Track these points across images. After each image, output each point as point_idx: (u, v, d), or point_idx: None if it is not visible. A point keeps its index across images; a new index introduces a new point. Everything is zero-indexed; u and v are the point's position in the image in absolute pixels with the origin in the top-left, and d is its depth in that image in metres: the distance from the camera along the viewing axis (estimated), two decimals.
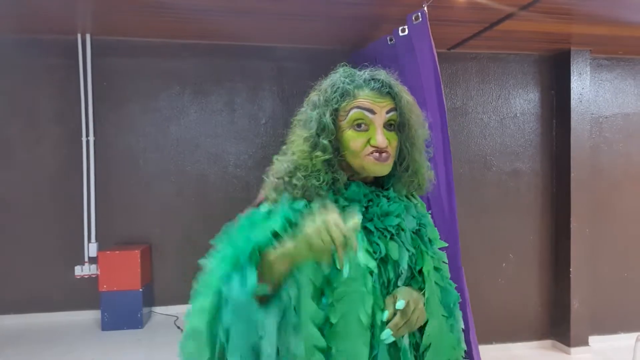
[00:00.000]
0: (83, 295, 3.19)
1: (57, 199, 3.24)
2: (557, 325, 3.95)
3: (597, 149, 3.99)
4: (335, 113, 1.09)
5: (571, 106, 3.79)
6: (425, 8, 2.30)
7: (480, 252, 3.78)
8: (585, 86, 3.82)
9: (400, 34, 2.49)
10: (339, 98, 1.09)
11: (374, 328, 1.02)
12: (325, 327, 1.01)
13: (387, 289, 1.06)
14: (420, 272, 1.12)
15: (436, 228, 1.24)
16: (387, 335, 1.01)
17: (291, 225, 1.00)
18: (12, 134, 3.19)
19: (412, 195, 1.22)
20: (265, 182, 1.14)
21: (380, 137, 1.05)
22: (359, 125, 1.07)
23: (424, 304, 1.09)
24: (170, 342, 2.75)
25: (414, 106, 1.13)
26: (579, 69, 3.80)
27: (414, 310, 1.04)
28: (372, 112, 1.07)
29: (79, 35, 3.20)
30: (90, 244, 3.23)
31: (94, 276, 3.20)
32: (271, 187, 1.11)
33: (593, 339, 3.92)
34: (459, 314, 1.21)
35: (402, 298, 1.03)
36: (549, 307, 3.99)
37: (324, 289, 1.01)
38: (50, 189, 3.23)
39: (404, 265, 1.09)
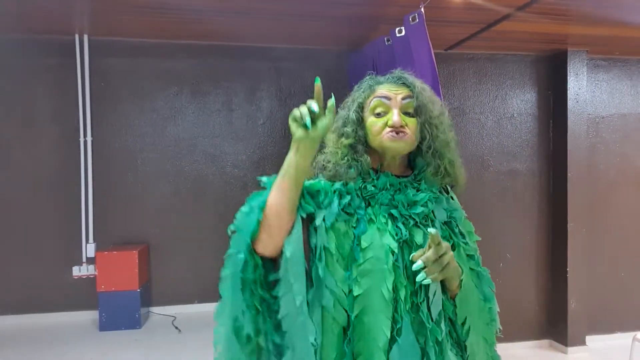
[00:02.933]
0: (81, 296, 3.19)
1: (55, 199, 3.24)
2: (555, 325, 3.96)
3: (594, 149, 4.01)
4: (361, 107, 1.22)
5: (568, 106, 3.81)
6: (422, 9, 2.30)
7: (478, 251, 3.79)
8: (582, 86, 3.84)
9: (398, 34, 2.50)
10: (362, 93, 1.23)
11: (397, 303, 1.08)
12: (349, 298, 1.08)
13: (409, 272, 1.11)
14: None
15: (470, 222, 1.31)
16: (419, 267, 1.06)
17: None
18: (9, 134, 3.19)
19: (447, 190, 1.30)
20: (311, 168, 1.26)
21: (395, 117, 1.15)
22: (378, 114, 1.18)
23: (460, 284, 1.16)
24: (168, 342, 2.76)
25: (430, 92, 1.23)
26: (576, 70, 3.81)
27: (445, 253, 1.09)
28: (387, 98, 1.18)
29: (76, 36, 3.20)
30: (88, 245, 3.23)
31: (91, 276, 3.19)
32: (312, 171, 1.22)
33: (590, 339, 3.93)
34: (494, 297, 1.28)
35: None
36: (546, 306, 4.00)
37: (349, 264, 1.09)
38: (47, 189, 3.23)
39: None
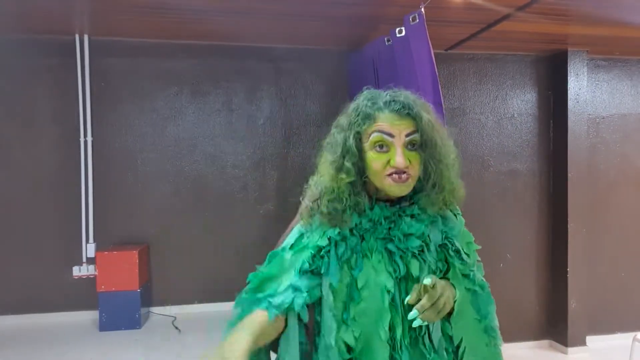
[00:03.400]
0: (81, 296, 3.19)
1: (55, 199, 3.24)
2: (555, 325, 3.96)
3: (594, 150, 4.00)
4: (359, 136, 1.13)
5: (568, 107, 3.81)
6: (423, 9, 2.30)
7: (478, 252, 3.78)
8: (583, 87, 3.83)
9: (398, 34, 2.49)
10: (361, 121, 1.13)
11: (395, 342, 1.09)
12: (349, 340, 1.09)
13: (409, 305, 1.08)
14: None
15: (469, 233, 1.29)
16: (414, 316, 1.04)
17: (314, 260, 1.13)
18: (9, 134, 3.19)
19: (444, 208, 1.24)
20: (302, 204, 1.22)
21: (399, 158, 1.08)
22: (380, 147, 1.11)
23: (455, 309, 1.14)
24: (168, 342, 2.76)
25: (437, 124, 1.16)
26: (576, 70, 3.81)
27: (441, 295, 1.06)
28: (391, 135, 1.10)
29: (76, 36, 3.20)
30: (88, 245, 3.23)
31: (92, 276, 3.19)
32: (305, 211, 1.19)
33: (590, 339, 3.93)
34: (492, 312, 1.24)
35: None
36: (546, 307, 4.00)
37: (347, 303, 1.10)
38: (48, 189, 3.23)
39: (427, 282, 1.12)
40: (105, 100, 3.30)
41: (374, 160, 1.11)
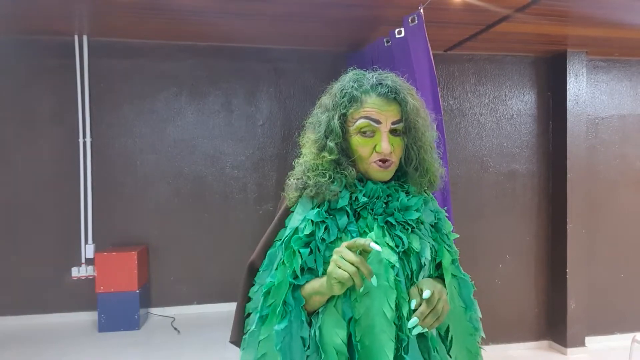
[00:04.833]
0: (80, 297, 3.19)
1: (54, 200, 3.24)
2: (554, 326, 3.96)
3: (593, 150, 4.01)
4: (344, 118, 1.14)
5: (567, 107, 3.81)
6: (422, 10, 2.30)
7: (477, 253, 3.80)
8: (582, 87, 3.84)
9: (397, 35, 2.49)
10: (347, 103, 1.14)
11: (401, 321, 1.04)
12: (351, 323, 1.04)
13: (410, 280, 1.08)
14: (439, 265, 1.16)
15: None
16: (414, 324, 1.01)
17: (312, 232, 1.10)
18: (8, 135, 3.19)
19: (425, 192, 1.25)
20: (287, 183, 1.21)
21: (385, 144, 1.10)
22: (364, 133, 1.12)
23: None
24: (167, 343, 2.76)
25: (421, 109, 1.18)
26: (575, 71, 3.81)
27: (439, 300, 1.04)
28: (377, 122, 1.11)
29: (75, 37, 3.20)
30: (87, 245, 3.23)
31: (90, 277, 3.19)
32: (292, 189, 1.18)
33: (589, 340, 3.93)
34: (475, 303, 1.23)
35: (427, 289, 1.04)
36: (545, 307, 4.00)
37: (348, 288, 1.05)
38: (47, 190, 3.23)
39: (427, 256, 1.11)
40: (104, 101, 3.30)
41: (360, 145, 1.12)
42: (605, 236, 4.04)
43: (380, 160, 1.11)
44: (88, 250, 3.22)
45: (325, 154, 1.12)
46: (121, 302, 2.94)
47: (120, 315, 2.94)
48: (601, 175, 4.03)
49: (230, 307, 3.51)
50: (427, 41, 2.30)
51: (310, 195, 1.13)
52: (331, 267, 0.98)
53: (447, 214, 1.28)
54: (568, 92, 3.81)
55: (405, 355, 1.03)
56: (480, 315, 1.21)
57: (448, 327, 1.14)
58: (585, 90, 3.85)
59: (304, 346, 1.05)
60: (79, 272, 3.21)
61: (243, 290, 1.24)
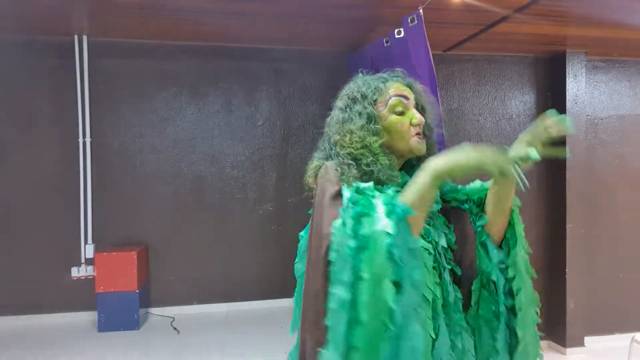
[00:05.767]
0: (80, 297, 3.19)
1: (54, 200, 3.24)
2: (553, 326, 3.96)
3: (593, 151, 4.01)
4: (374, 104, 1.21)
5: (567, 108, 3.81)
6: (421, 10, 2.30)
7: None
8: (581, 88, 3.84)
9: (396, 35, 2.50)
10: (374, 92, 1.22)
11: (435, 302, 1.10)
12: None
13: (438, 269, 1.13)
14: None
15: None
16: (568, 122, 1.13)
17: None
18: (8, 135, 3.19)
19: None
20: (326, 174, 1.12)
21: (419, 115, 1.20)
22: (398, 112, 1.20)
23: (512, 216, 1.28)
24: (166, 343, 2.76)
25: (427, 92, 1.31)
26: (575, 71, 3.82)
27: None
28: (406, 97, 1.21)
29: (75, 37, 3.20)
30: (87, 246, 3.23)
31: (90, 277, 3.20)
32: (342, 174, 1.11)
33: (588, 340, 3.93)
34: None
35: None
36: (544, 307, 3.98)
37: None
38: (46, 190, 3.23)
39: (444, 244, 1.18)
40: (104, 101, 3.30)
41: (399, 122, 1.19)
42: (604, 236, 4.04)
43: (417, 134, 1.19)
44: (88, 250, 3.22)
45: (375, 137, 1.17)
46: (121, 302, 2.95)
47: (120, 315, 2.95)
48: (600, 176, 4.03)
49: (230, 307, 3.53)
50: (427, 41, 2.31)
51: (375, 180, 1.11)
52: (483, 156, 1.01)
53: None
54: (567, 93, 3.81)
55: (436, 336, 1.08)
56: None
57: (515, 296, 1.16)
58: (584, 91, 3.86)
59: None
60: (79, 272, 3.22)
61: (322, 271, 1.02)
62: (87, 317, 3.17)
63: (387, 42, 2.66)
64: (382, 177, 1.13)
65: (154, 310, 3.29)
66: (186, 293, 3.39)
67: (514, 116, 3.93)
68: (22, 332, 2.96)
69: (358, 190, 1.04)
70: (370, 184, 1.07)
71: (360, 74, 1.29)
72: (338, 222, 0.99)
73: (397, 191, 1.06)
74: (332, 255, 0.97)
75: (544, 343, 3.99)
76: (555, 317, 3.94)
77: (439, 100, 2.31)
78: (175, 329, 3.00)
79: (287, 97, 3.56)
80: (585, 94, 3.89)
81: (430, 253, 1.11)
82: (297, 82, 3.57)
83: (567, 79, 3.80)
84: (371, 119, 1.18)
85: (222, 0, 2.54)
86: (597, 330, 4.00)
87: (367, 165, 1.14)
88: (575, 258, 3.85)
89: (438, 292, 1.10)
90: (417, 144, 1.19)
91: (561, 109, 3.86)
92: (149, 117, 3.38)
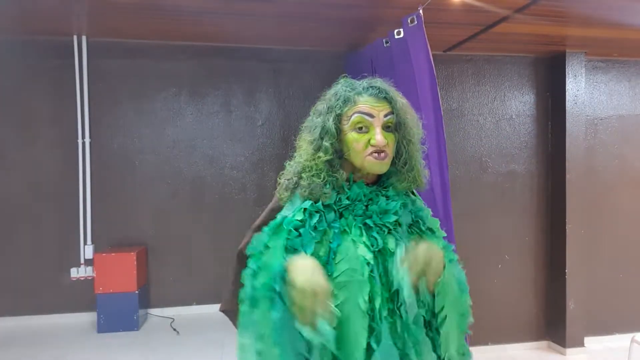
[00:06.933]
0: (79, 298, 3.19)
1: (53, 200, 3.23)
2: (553, 326, 3.97)
3: (592, 151, 4.01)
4: (339, 118, 1.21)
5: (566, 108, 3.81)
6: (421, 11, 2.30)
7: (476, 253, 3.79)
8: (581, 88, 3.84)
9: (396, 36, 2.49)
10: (342, 104, 1.21)
11: (375, 312, 1.11)
12: None
13: (386, 276, 1.15)
14: None
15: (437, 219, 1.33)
16: (402, 273, 1.10)
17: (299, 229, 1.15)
18: (7, 136, 3.18)
19: (412, 192, 1.32)
20: (279, 183, 1.29)
21: (379, 137, 1.16)
22: (360, 128, 1.18)
23: (442, 276, 1.17)
24: (166, 344, 2.75)
25: (408, 108, 1.26)
26: (574, 71, 3.82)
27: (425, 249, 1.12)
28: (371, 115, 1.18)
29: (74, 37, 3.20)
30: (86, 246, 3.23)
31: (89, 278, 3.19)
32: (283, 188, 1.27)
33: (588, 340, 3.93)
34: (467, 289, 1.28)
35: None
36: (544, 308, 4.01)
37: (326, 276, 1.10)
38: (45, 190, 3.22)
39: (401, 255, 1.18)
40: (103, 102, 3.30)
41: (355, 140, 1.18)
42: (604, 236, 4.04)
43: (375, 152, 1.17)
44: (87, 250, 3.22)
45: (321, 154, 1.19)
46: (120, 302, 2.94)
47: (119, 316, 2.94)
48: (600, 176, 4.03)
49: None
50: (427, 42, 2.30)
51: (303, 195, 1.20)
52: (295, 294, 1.02)
53: (447, 213, 1.30)
54: (567, 93, 3.81)
55: (376, 345, 1.09)
56: (470, 302, 1.26)
57: (443, 307, 1.17)
58: (584, 91, 3.86)
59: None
60: (78, 272, 3.21)
61: (234, 276, 1.28)
62: (87, 318, 3.16)
63: (386, 42, 2.65)
64: (315, 194, 1.18)
65: (154, 311, 3.29)
66: (186, 294, 3.38)
67: (513, 116, 3.92)
68: (21, 333, 2.95)
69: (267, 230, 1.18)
70: (307, 203, 1.17)
71: (342, 80, 1.29)
72: (250, 248, 1.18)
73: (328, 205, 1.17)
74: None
75: (544, 343, 3.99)
76: (555, 317, 3.94)
77: (439, 100, 2.31)
78: (174, 329, 2.99)
79: (286, 98, 3.56)
80: (585, 94, 3.89)
81: (368, 263, 1.12)
82: (296, 82, 3.56)
83: (566, 79, 3.80)
84: (324, 134, 1.19)
85: (222, 0, 2.54)
86: (597, 331, 4.00)
87: (305, 180, 1.19)
88: (575, 258, 3.85)
89: (378, 302, 1.11)
90: (371, 164, 1.18)
91: (561, 109, 3.86)
92: (148, 118, 3.37)
